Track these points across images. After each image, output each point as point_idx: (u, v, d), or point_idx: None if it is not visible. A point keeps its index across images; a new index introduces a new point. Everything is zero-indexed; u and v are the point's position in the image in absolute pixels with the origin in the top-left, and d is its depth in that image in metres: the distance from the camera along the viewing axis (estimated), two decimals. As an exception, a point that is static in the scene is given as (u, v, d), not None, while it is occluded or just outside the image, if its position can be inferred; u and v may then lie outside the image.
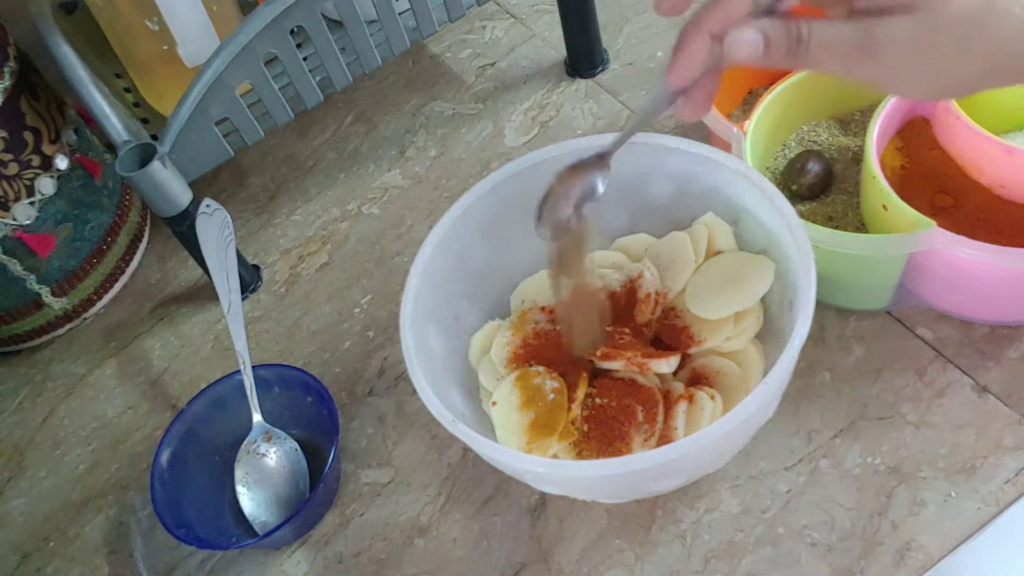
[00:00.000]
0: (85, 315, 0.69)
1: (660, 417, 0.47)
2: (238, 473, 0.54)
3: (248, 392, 0.54)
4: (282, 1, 0.53)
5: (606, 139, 0.41)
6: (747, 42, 0.31)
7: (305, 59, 0.58)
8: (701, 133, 0.66)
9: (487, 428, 0.49)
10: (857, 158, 0.55)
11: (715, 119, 0.53)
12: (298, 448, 0.55)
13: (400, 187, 0.71)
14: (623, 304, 0.52)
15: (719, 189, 0.50)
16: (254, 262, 0.69)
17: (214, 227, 0.56)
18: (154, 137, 0.58)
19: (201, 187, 0.72)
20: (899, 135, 0.53)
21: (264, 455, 0.54)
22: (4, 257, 0.62)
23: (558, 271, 0.44)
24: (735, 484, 0.49)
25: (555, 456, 0.47)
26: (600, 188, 0.41)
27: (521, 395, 0.49)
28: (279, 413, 0.55)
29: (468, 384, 0.52)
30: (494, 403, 0.49)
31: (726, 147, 0.50)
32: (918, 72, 0.30)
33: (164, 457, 0.53)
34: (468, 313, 0.53)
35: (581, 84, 0.73)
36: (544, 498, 0.51)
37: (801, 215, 0.47)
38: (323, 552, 0.52)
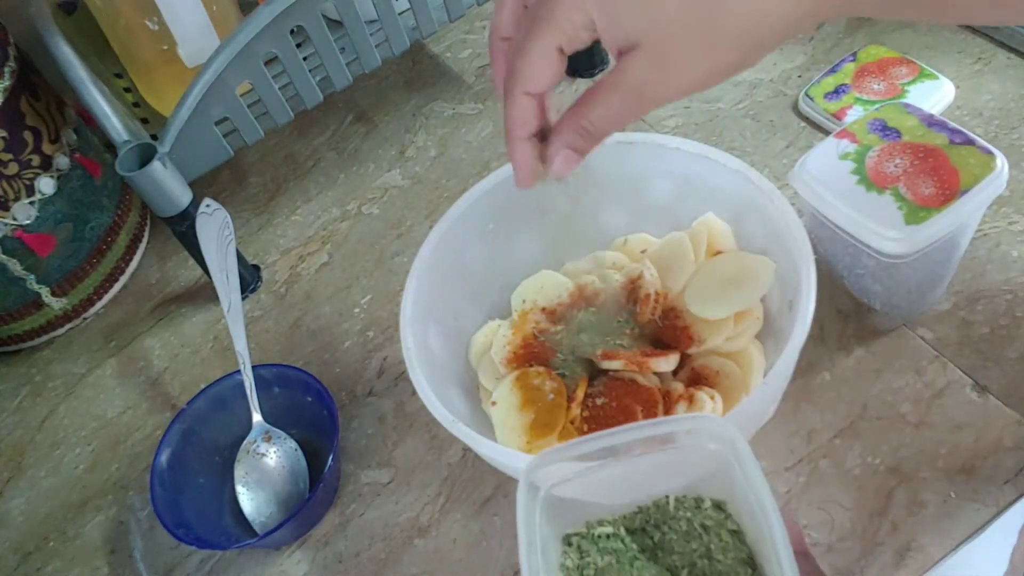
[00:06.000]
0: (85, 315, 0.69)
1: (660, 417, 0.47)
2: (238, 473, 0.54)
3: (248, 392, 0.54)
4: (282, 1, 0.53)
5: None
6: (564, 159, 0.37)
7: (305, 59, 0.58)
8: (701, 133, 0.67)
9: (487, 428, 0.49)
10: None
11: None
12: (298, 448, 0.55)
13: (400, 187, 0.71)
14: (623, 304, 0.52)
15: (719, 189, 0.50)
16: (254, 262, 0.69)
17: (214, 227, 0.56)
18: (154, 137, 0.58)
19: (201, 187, 0.72)
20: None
21: (264, 455, 0.54)
22: (4, 257, 0.62)
23: None
24: (735, 484, 0.49)
25: (555, 456, 0.47)
26: None
27: (521, 395, 0.49)
28: (279, 413, 0.55)
29: (468, 384, 0.52)
30: (494, 403, 0.49)
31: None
32: (680, 83, 0.33)
33: (164, 457, 0.53)
34: (468, 313, 0.53)
35: (581, 84, 0.73)
36: (544, 498, 0.51)
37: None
38: (323, 552, 0.52)
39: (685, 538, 0.32)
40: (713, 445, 0.32)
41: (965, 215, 0.45)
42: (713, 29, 0.31)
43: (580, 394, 0.48)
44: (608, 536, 0.33)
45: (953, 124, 0.48)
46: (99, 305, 0.69)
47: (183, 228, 0.58)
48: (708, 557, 0.32)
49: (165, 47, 0.61)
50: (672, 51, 0.32)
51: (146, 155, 0.54)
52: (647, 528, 0.33)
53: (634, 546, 0.33)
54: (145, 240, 0.73)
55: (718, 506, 0.33)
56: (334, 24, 0.57)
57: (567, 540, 0.34)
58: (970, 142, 0.47)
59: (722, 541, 0.32)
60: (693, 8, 0.31)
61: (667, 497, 0.34)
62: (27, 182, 0.61)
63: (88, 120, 0.68)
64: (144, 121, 0.63)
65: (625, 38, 0.32)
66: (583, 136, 0.36)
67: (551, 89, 0.37)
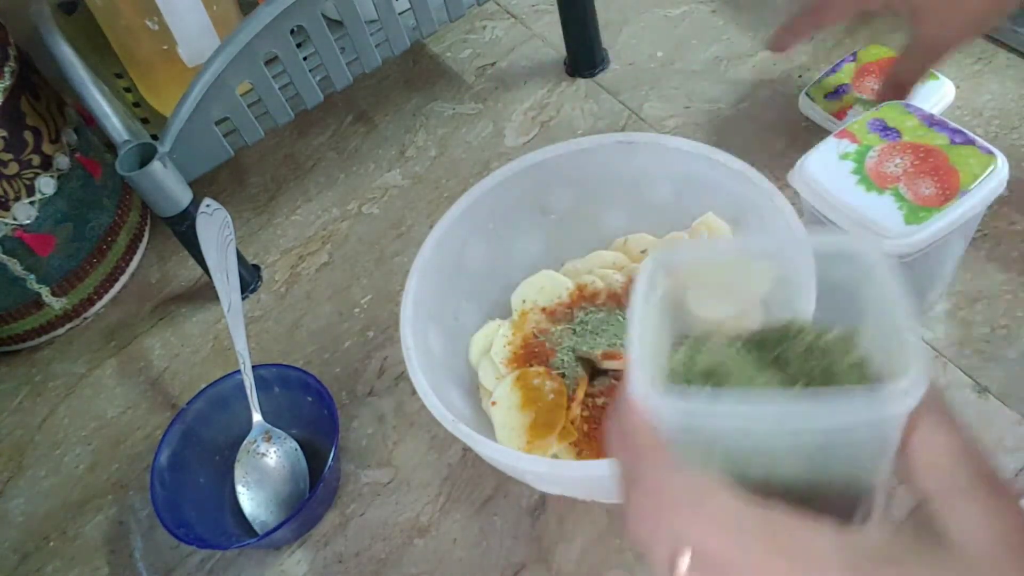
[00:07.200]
0: (85, 315, 0.69)
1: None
2: (238, 473, 0.54)
3: (248, 392, 0.54)
4: (282, 1, 0.53)
5: None
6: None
7: (305, 59, 0.58)
8: (701, 133, 0.67)
9: (487, 428, 0.49)
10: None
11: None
12: (298, 448, 0.55)
13: (400, 187, 0.71)
14: (623, 304, 0.52)
15: (719, 189, 0.50)
16: (254, 262, 0.69)
17: (214, 227, 0.56)
18: (154, 137, 0.58)
19: (201, 187, 0.72)
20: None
21: (264, 455, 0.54)
22: (4, 257, 0.62)
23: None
24: (735, 484, 0.49)
25: (555, 456, 0.47)
26: None
27: (521, 395, 0.49)
28: (279, 413, 0.55)
29: (468, 384, 0.52)
30: (494, 403, 0.49)
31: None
32: (952, 34, 0.50)
33: (164, 457, 0.53)
34: (468, 313, 0.53)
35: (581, 84, 0.73)
36: (544, 498, 0.51)
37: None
38: (323, 552, 0.52)
39: (805, 356, 0.29)
40: (843, 269, 0.29)
41: (965, 215, 0.45)
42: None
43: (580, 394, 0.48)
44: (723, 345, 0.30)
45: (953, 124, 0.48)
46: (99, 305, 0.69)
47: (183, 228, 0.58)
48: (828, 376, 0.28)
49: (165, 47, 0.61)
50: (939, 13, 0.49)
51: (146, 155, 0.54)
52: (765, 344, 0.30)
53: (748, 356, 0.30)
54: (145, 240, 0.73)
55: (844, 337, 0.29)
56: (334, 24, 0.57)
57: (678, 341, 0.30)
58: (970, 142, 0.47)
59: (845, 365, 0.28)
60: None
61: (790, 318, 0.31)
62: (27, 182, 0.61)
63: (88, 120, 0.68)
64: (144, 121, 0.63)
65: (908, 7, 0.50)
66: (895, 88, 0.53)
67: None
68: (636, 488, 0.26)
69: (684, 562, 0.25)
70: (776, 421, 0.24)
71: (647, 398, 0.25)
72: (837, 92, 0.63)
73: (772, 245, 0.30)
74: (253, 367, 0.55)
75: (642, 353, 0.27)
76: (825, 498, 0.24)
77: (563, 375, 0.50)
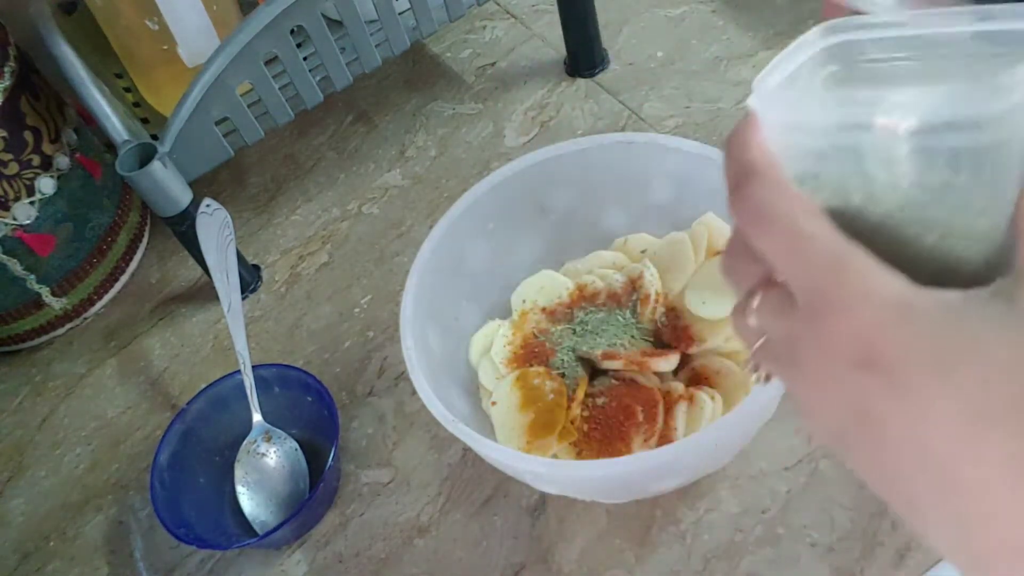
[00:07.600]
0: (85, 315, 0.69)
1: (660, 417, 0.47)
2: (238, 473, 0.54)
3: (248, 392, 0.54)
4: (282, 1, 0.53)
5: None
6: None
7: (305, 59, 0.58)
8: (701, 133, 0.67)
9: (487, 428, 0.49)
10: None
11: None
12: (298, 448, 0.55)
13: (400, 187, 0.71)
14: (623, 304, 0.52)
15: (719, 189, 0.50)
16: (254, 262, 0.69)
17: (214, 227, 0.56)
18: (154, 137, 0.58)
19: (201, 187, 0.72)
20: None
21: (264, 455, 0.54)
22: (4, 257, 0.62)
23: None
24: (735, 484, 0.49)
25: (555, 456, 0.47)
26: None
27: (521, 395, 0.49)
28: (279, 413, 0.55)
29: (468, 384, 0.52)
30: (494, 403, 0.49)
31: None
32: None
33: (164, 457, 0.53)
34: (468, 313, 0.54)
35: (581, 84, 0.73)
36: (544, 498, 0.51)
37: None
38: (323, 552, 0.52)
39: None
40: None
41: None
42: None
43: (580, 394, 0.49)
44: None
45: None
46: (99, 305, 0.69)
47: (183, 228, 0.58)
48: None
49: (165, 47, 0.61)
50: None
51: (146, 155, 0.54)
52: None
53: None
54: (145, 240, 0.73)
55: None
56: (334, 24, 0.57)
57: None
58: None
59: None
60: None
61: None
62: (27, 182, 0.61)
63: (88, 120, 0.68)
64: (144, 121, 0.63)
65: None
66: None
67: None
68: (736, 203, 0.26)
69: (755, 301, 0.26)
70: (887, 108, 0.22)
71: (768, 97, 0.25)
72: (837, 92, 0.63)
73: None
74: (253, 367, 0.55)
75: (783, 63, 0.26)
76: (910, 264, 0.23)
77: (563, 375, 0.50)
